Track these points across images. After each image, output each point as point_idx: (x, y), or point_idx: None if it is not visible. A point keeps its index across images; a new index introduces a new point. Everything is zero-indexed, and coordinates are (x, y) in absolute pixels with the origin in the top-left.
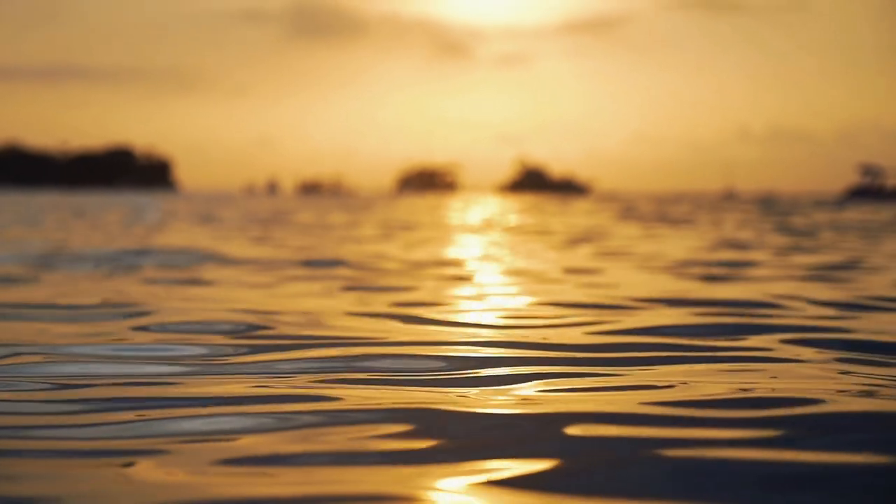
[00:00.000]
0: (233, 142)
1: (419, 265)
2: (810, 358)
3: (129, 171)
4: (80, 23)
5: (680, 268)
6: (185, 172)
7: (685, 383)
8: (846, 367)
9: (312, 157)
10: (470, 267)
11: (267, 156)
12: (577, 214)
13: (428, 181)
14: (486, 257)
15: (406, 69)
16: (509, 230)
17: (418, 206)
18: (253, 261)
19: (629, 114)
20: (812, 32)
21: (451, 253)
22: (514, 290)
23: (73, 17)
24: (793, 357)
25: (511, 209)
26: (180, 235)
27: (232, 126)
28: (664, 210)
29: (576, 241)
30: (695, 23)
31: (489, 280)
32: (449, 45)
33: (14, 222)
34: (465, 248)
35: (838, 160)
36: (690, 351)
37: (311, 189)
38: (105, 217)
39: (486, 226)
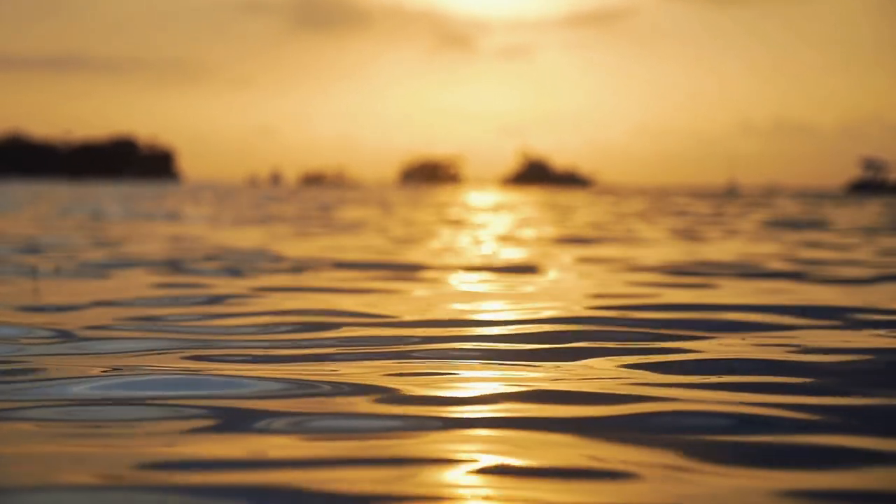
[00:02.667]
0: (235, 132)
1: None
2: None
3: (131, 161)
4: (83, 13)
5: None
6: (188, 163)
7: None
8: None
9: (314, 148)
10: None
11: (269, 146)
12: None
13: (431, 173)
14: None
15: (408, 60)
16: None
17: (464, 200)
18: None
19: (631, 106)
20: (814, 25)
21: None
22: None
23: (76, 7)
24: None
25: (563, 208)
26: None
27: (234, 117)
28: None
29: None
30: (697, 15)
31: None
32: (451, 36)
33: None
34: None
35: (841, 153)
36: None
37: (313, 180)
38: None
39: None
